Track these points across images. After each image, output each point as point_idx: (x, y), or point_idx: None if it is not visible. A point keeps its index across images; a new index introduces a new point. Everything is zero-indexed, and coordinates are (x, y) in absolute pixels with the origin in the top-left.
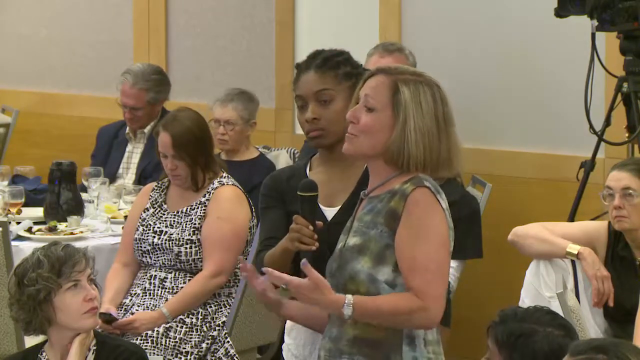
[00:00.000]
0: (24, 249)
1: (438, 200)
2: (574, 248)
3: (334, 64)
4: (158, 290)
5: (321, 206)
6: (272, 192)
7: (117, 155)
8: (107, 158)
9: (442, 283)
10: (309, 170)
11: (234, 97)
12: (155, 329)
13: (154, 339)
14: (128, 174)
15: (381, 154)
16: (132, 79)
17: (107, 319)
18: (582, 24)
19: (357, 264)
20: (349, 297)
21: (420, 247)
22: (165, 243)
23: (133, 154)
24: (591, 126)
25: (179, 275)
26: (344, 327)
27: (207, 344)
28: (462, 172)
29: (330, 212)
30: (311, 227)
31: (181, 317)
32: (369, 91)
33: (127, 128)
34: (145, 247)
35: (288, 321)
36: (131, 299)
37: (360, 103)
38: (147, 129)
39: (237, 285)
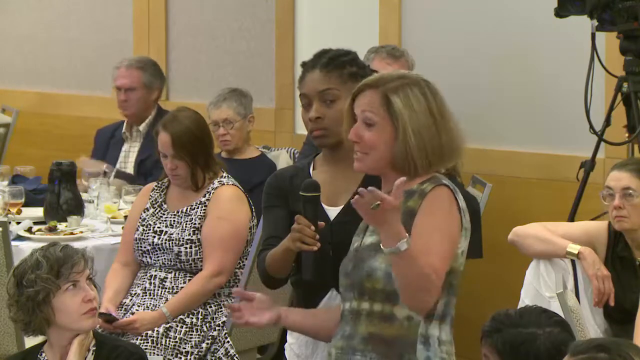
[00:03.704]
0: (24, 249)
1: (456, 199)
2: (574, 248)
3: (340, 64)
4: (158, 290)
5: (324, 205)
6: (275, 191)
7: (114, 155)
8: (104, 158)
9: (441, 274)
10: (313, 169)
11: (225, 96)
12: (155, 329)
13: (154, 339)
14: None
15: (390, 164)
16: (128, 62)
17: (108, 318)
18: (582, 24)
19: (375, 262)
20: (407, 235)
21: (429, 235)
22: (165, 243)
23: (130, 152)
24: (591, 126)
25: (179, 275)
26: (358, 325)
27: (207, 344)
28: (462, 172)
29: (333, 212)
30: (313, 228)
31: (181, 317)
32: (364, 108)
33: (124, 127)
34: (145, 247)
35: None
36: (131, 299)
37: (358, 121)
38: (142, 127)
39: (237, 286)
